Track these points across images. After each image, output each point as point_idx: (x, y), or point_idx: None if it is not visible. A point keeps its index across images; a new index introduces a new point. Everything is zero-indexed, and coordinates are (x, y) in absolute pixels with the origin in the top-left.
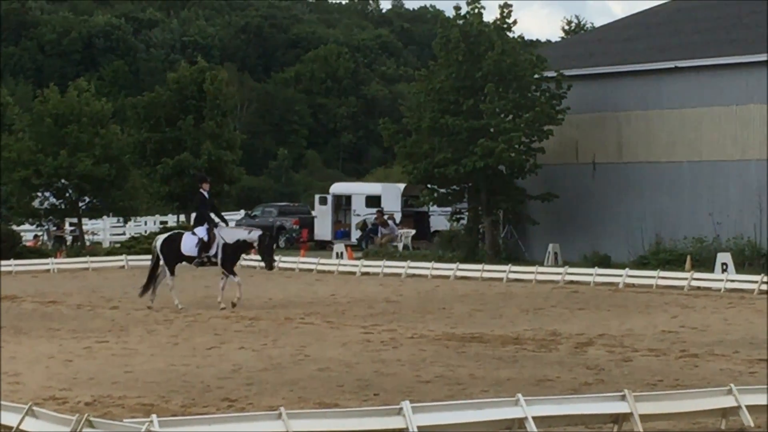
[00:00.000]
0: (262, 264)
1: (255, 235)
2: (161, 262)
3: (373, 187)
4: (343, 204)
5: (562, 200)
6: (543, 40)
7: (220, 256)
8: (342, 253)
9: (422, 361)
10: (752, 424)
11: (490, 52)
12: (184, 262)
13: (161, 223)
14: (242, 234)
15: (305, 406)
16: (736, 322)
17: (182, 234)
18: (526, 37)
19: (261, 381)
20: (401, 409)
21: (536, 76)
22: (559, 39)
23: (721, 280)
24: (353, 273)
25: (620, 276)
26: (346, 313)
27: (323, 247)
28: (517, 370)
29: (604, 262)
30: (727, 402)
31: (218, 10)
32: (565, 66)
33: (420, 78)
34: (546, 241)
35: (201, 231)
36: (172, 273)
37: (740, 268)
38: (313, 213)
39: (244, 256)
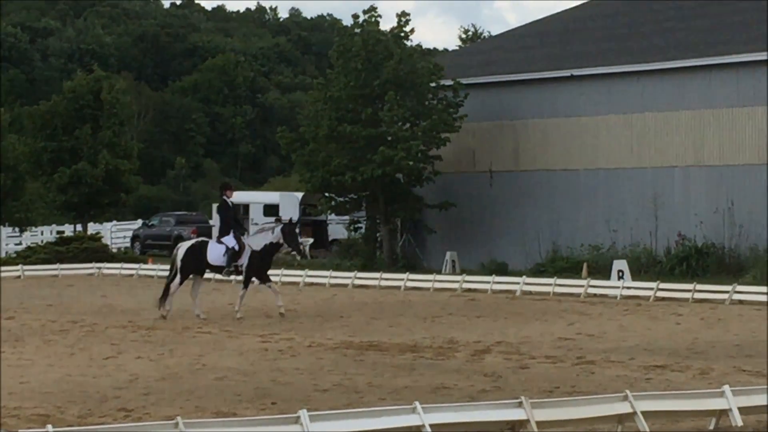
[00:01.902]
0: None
1: (278, 230)
2: (175, 270)
3: (270, 196)
4: (241, 213)
5: (459, 208)
6: (440, 48)
7: (245, 264)
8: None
9: (320, 370)
10: (647, 430)
11: (388, 60)
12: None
13: (58, 233)
14: (267, 237)
15: (202, 416)
16: (632, 328)
17: (207, 243)
18: (423, 46)
19: (158, 391)
20: (299, 417)
21: (433, 84)
22: (456, 47)
23: (617, 287)
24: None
25: (517, 284)
26: (244, 322)
27: None
28: (414, 378)
29: (502, 269)
30: (623, 408)
31: (115, 19)
32: (462, 74)
33: (318, 86)
34: (444, 249)
35: (230, 240)
36: (182, 282)
37: (636, 275)
38: (211, 222)
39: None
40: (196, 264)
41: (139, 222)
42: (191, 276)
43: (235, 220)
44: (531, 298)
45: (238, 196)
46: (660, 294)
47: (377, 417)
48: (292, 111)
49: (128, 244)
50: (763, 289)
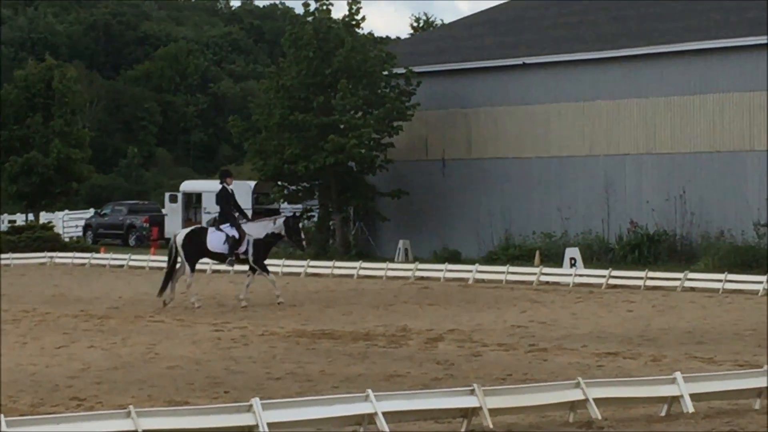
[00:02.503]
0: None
1: (280, 222)
2: (180, 259)
3: None
4: (193, 202)
5: (412, 197)
6: (393, 37)
7: (251, 252)
8: None
9: (273, 358)
10: (600, 417)
11: (340, 48)
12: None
13: (9, 222)
14: (269, 227)
15: (155, 405)
16: (584, 316)
17: (206, 229)
18: (375, 34)
19: (110, 380)
20: (251, 406)
21: (386, 72)
22: (408, 36)
23: (570, 275)
24: (204, 271)
25: (470, 272)
26: (197, 311)
27: None
28: (367, 366)
29: (454, 257)
30: (575, 395)
31: (66, 8)
32: (414, 63)
33: (270, 75)
34: (396, 238)
35: (229, 228)
36: (193, 270)
37: (588, 262)
38: (164, 211)
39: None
40: (196, 249)
41: (92, 211)
42: (179, 260)
43: (236, 207)
44: (483, 286)
45: (190, 185)
46: (612, 281)
47: (330, 405)
48: (244, 100)
49: (80, 234)
50: (714, 276)
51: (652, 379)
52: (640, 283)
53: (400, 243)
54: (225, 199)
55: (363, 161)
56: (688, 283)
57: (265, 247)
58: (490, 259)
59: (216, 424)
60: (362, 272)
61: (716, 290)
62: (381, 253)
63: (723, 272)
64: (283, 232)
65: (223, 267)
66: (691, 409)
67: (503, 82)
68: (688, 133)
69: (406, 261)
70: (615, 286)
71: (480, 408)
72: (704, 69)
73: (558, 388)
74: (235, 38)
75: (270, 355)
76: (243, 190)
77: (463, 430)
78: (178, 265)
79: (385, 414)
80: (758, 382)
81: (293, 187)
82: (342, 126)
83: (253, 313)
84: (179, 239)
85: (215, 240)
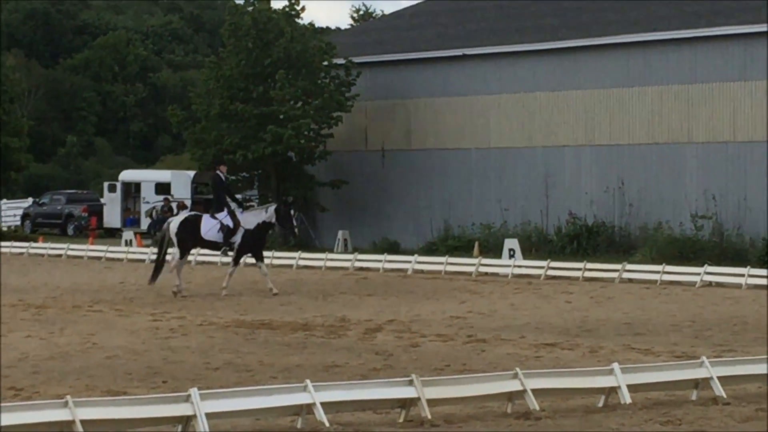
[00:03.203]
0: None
1: (272, 210)
2: (171, 247)
3: (162, 174)
4: (132, 191)
5: (351, 187)
6: (333, 27)
7: (238, 242)
8: (131, 240)
9: (211, 349)
10: (537, 408)
11: (280, 39)
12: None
13: None
14: (261, 216)
15: (93, 395)
16: (523, 307)
17: (200, 216)
18: (315, 25)
19: (48, 369)
20: (189, 396)
21: (325, 63)
22: (348, 26)
23: (509, 266)
24: (143, 260)
25: (409, 262)
26: (135, 301)
27: (113, 234)
28: (306, 356)
29: (394, 248)
30: (513, 386)
31: None
32: (354, 53)
33: (209, 65)
34: (336, 228)
35: (224, 216)
36: (183, 257)
37: (527, 253)
38: (102, 200)
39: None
40: (190, 237)
41: (30, 200)
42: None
43: (230, 195)
44: (422, 276)
45: (129, 175)
46: (550, 272)
47: (268, 395)
48: (184, 89)
49: (18, 223)
50: (652, 267)
51: (590, 370)
52: (578, 274)
53: (340, 233)
54: (220, 186)
55: (302, 152)
56: (626, 275)
57: (257, 237)
58: (429, 250)
59: (154, 413)
60: (301, 262)
61: (654, 282)
62: (320, 244)
63: (661, 264)
64: (274, 220)
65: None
66: (628, 400)
67: (443, 74)
68: (627, 125)
69: (346, 251)
70: (553, 278)
71: (418, 398)
72: (643, 61)
73: (496, 378)
74: (175, 28)
75: (208, 345)
76: (182, 181)
77: (401, 420)
78: (168, 257)
79: (323, 404)
80: (695, 373)
81: (233, 177)
82: (281, 116)
83: (192, 303)
84: (173, 227)
85: (209, 227)
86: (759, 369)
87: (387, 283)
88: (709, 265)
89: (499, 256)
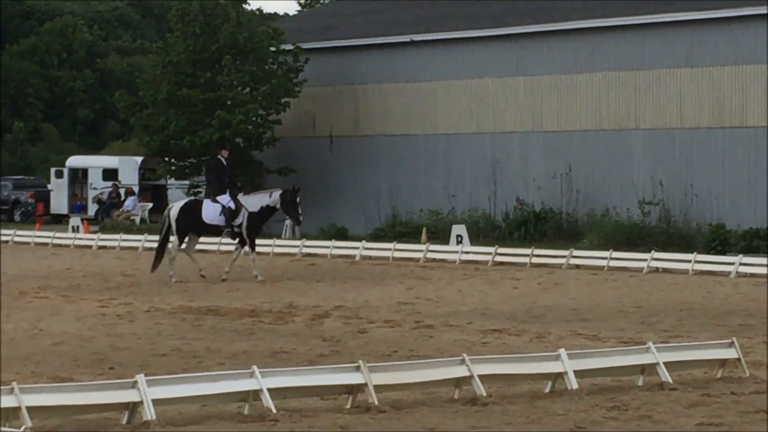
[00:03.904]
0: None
1: (277, 195)
2: (165, 233)
3: (110, 161)
4: (79, 177)
5: (299, 173)
6: (280, 13)
7: (245, 225)
8: (78, 226)
9: (158, 335)
10: (485, 393)
11: (226, 24)
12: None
13: None
14: (264, 200)
15: (39, 381)
16: (470, 293)
17: (201, 202)
18: (264, 10)
19: None
20: (136, 382)
21: (273, 48)
22: (296, 12)
23: (456, 252)
24: (90, 247)
25: (357, 248)
26: (82, 287)
27: (59, 220)
28: (253, 342)
29: (341, 234)
30: (461, 372)
31: None
32: (302, 39)
33: (157, 51)
34: (283, 215)
35: (225, 199)
36: (181, 243)
37: (475, 239)
38: (50, 186)
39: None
40: (191, 223)
41: None
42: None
43: (230, 179)
44: (370, 262)
45: (77, 161)
46: (498, 258)
47: (215, 381)
48: (131, 75)
49: None
50: (599, 253)
51: (537, 355)
52: (525, 260)
53: (287, 220)
54: (220, 170)
55: (250, 137)
56: (573, 261)
57: (260, 220)
58: (377, 236)
59: (101, 400)
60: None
61: (601, 268)
62: (268, 230)
63: (608, 250)
64: (278, 206)
65: (105, 243)
66: (575, 386)
67: (391, 59)
68: (574, 112)
69: (293, 238)
70: (501, 264)
71: (365, 384)
72: (590, 47)
73: (443, 364)
74: (122, 13)
75: (155, 331)
76: (130, 166)
77: (348, 406)
78: (170, 244)
79: (270, 390)
80: (642, 359)
81: (180, 163)
82: (229, 102)
83: (139, 289)
84: (173, 213)
85: (211, 212)
86: (705, 354)
87: (335, 269)
88: (656, 251)
89: (446, 242)
